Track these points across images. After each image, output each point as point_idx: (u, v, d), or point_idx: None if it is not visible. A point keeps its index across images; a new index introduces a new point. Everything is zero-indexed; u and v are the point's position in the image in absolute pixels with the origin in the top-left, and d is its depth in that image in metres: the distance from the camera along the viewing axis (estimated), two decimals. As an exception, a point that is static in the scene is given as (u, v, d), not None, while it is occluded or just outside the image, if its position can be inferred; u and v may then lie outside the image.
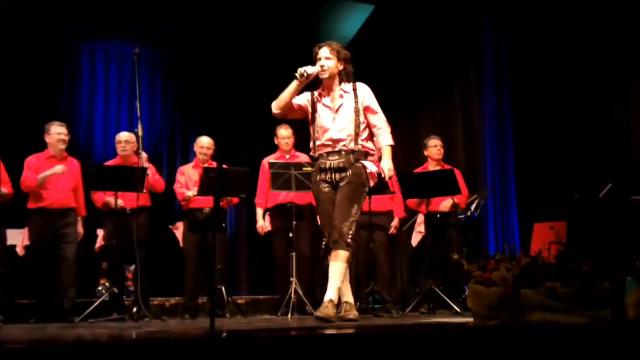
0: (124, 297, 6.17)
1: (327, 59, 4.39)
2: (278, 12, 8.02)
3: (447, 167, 6.39)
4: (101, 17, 7.71)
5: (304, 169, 5.85)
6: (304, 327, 3.96)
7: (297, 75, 4.33)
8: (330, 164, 4.36)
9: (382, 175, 4.45)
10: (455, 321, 4.12)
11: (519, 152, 7.48)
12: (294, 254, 6.00)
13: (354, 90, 4.45)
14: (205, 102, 8.56)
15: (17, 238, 6.31)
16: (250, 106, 8.05)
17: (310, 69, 4.35)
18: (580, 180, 6.43)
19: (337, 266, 4.20)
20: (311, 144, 4.51)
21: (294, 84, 4.37)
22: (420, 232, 6.57)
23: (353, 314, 4.38)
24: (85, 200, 5.96)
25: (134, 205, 5.60)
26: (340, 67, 4.44)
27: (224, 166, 5.70)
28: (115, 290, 5.77)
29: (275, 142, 6.39)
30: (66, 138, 5.76)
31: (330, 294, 4.16)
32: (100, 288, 7.03)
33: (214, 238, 5.39)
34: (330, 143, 4.38)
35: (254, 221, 6.52)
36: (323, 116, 4.43)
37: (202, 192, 5.84)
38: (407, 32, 8.24)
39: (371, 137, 4.50)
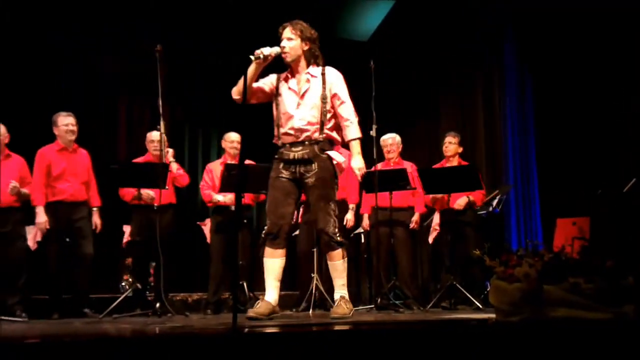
0: (147, 292, 6.22)
1: (288, 40, 4.14)
2: (298, 9, 8.01)
3: (464, 163, 6.34)
4: (125, 15, 7.77)
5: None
6: (325, 323, 3.96)
7: (253, 57, 4.05)
8: (294, 155, 4.13)
9: (330, 157, 4.16)
10: (477, 317, 4.10)
11: (541, 146, 7.42)
12: (315, 249, 6.01)
13: (323, 75, 4.19)
14: (228, 99, 8.58)
15: (29, 233, 6.38)
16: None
17: (267, 50, 4.06)
18: (604, 175, 6.37)
19: (335, 265, 4.20)
20: (275, 131, 4.24)
21: (251, 67, 4.09)
22: (436, 230, 6.55)
23: (261, 311, 4.08)
24: (99, 191, 5.97)
25: (163, 202, 5.64)
26: (305, 48, 4.18)
27: (246, 162, 5.72)
28: (139, 285, 5.82)
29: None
30: (74, 128, 5.75)
31: (339, 293, 4.22)
32: (123, 283, 7.10)
33: (237, 234, 5.42)
34: (293, 132, 4.15)
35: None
36: (287, 101, 4.17)
37: (223, 188, 5.87)
38: (428, 27, 8.20)
39: (338, 126, 4.25)
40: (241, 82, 4.11)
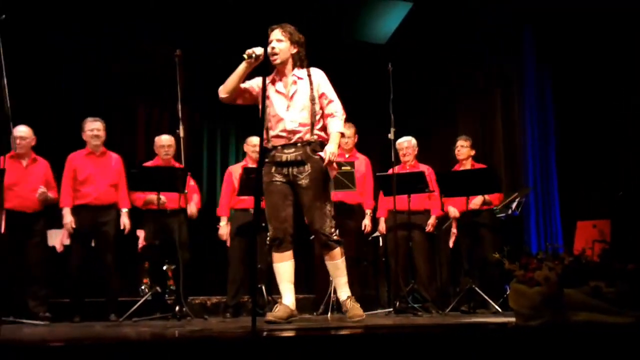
0: (166, 296, 6.27)
1: (278, 42, 4.15)
2: (316, 11, 8.03)
3: (478, 166, 6.32)
4: (144, 19, 7.84)
5: (343, 168, 5.85)
6: (343, 327, 3.96)
7: (245, 56, 4.08)
8: (287, 157, 4.12)
9: (322, 158, 4.14)
10: (497, 321, 4.08)
11: (561, 148, 7.37)
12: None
13: (309, 76, 4.22)
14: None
15: (57, 237, 6.45)
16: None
17: (259, 50, 4.09)
18: (624, 176, 6.31)
19: (336, 264, 4.19)
20: (264, 134, 4.19)
21: (241, 66, 4.13)
22: (454, 233, 6.52)
23: (279, 315, 4.08)
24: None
25: (175, 206, 5.67)
26: (293, 51, 4.20)
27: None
28: (158, 289, 5.86)
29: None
30: (99, 133, 5.80)
31: (345, 292, 4.21)
32: (143, 287, 7.15)
33: (255, 238, 5.42)
34: (284, 135, 4.14)
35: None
36: (276, 104, 4.18)
37: (241, 192, 5.90)
38: (446, 29, 8.18)
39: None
40: (229, 80, 4.19)
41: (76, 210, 5.72)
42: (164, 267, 6.28)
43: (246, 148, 6.41)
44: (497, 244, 5.98)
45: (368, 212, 6.37)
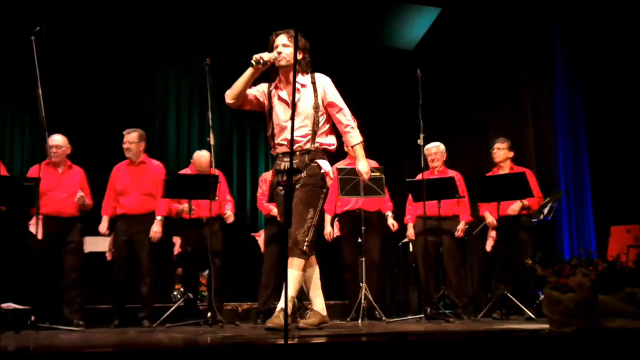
0: (199, 302, 6.33)
1: (284, 46, 4.07)
2: (344, 17, 8.06)
3: (517, 169, 6.23)
4: (174, 29, 7.94)
5: (373, 174, 5.85)
6: (374, 333, 3.95)
7: (253, 62, 4.01)
8: (285, 165, 4.10)
9: (362, 179, 4.23)
10: (530, 327, 4.04)
11: (594, 152, 7.26)
12: (363, 259, 6.01)
13: (313, 83, 4.13)
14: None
15: (97, 244, 6.55)
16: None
17: (266, 55, 4.04)
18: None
19: (292, 274, 3.95)
20: (270, 142, 4.22)
21: (248, 72, 4.05)
22: (493, 237, 6.45)
23: (310, 322, 4.09)
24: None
25: (208, 215, 5.72)
26: (299, 57, 4.10)
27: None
28: (190, 295, 5.92)
29: (345, 149, 6.42)
30: (130, 146, 5.87)
31: (282, 303, 3.98)
32: (175, 293, 7.23)
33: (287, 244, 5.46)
34: (285, 143, 4.10)
35: (323, 227, 6.57)
36: (279, 112, 4.14)
37: (271, 198, 5.94)
38: (475, 33, 8.14)
39: (331, 131, 4.20)
40: (236, 86, 4.12)
41: (116, 220, 5.90)
42: (204, 273, 6.34)
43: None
44: (532, 249, 5.92)
45: (388, 213, 6.38)
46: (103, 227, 5.92)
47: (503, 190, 5.80)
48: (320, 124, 4.12)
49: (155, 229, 5.85)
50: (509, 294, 5.68)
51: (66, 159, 5.84)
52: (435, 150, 6.37)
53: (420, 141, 5.86)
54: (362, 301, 5.78)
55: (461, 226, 6.21)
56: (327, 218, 6.45)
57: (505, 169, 6.22)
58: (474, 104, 8.58)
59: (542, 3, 7.49)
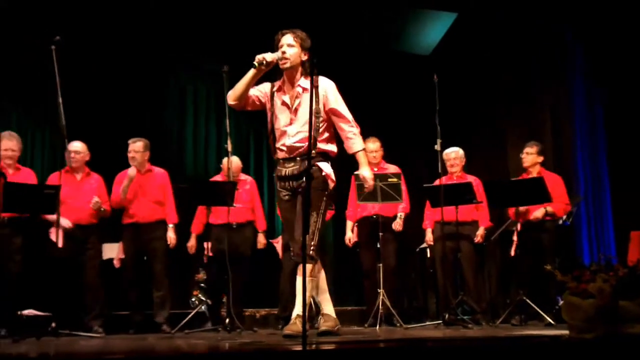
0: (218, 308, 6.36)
1: (289, 47, 3.99)
2: (362, 23, 8.07)
3: (547, 174, 6.14)
4: (193, 37, 8.00)
5: (390, 180, 5.85)
6: (393, 339, 3.95)
7: (255, 62, 3.92)
8: (286, 172, 4.07)
9: (365, 186, 4.19)
10: (550, 333, 4.01)
11: (613, 156, 7.19)
12: (380, 265, 6.00)
13: (316, 87, 3.99)
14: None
15: (114, 251, 6.61)
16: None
17: (269, 56, 3.95)
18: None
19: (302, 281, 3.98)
20: (272, 146, 4.19)
21: (250, 73, 3.98)
22: (516, 241, 6.39)
23: (328, 325, 4.13)
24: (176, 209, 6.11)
25: (242, 220, 5.75)
26: (304, 58, 4.03)
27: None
28: (209, 301, 5.94)
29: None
30: (135, 155, 5.90)
31: (297, 310, 4.02)
32: (193, 299, 7.26)
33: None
34: (285, 149, 4.08)
35: (341, 233, 6.57)
36: (280, 116, 4.09)
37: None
38: (491, 38, 8.11)
39: (332, 138, 4.15)
40: (238, 87, 4.05)
41: (125, 229, 5.93)
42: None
43: None
44: (552, 254, 5.88)
45: (400, 214, 6.30)
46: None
47: (522, 195, 5.75)
48: (320, 130, 4.06)
49: (172, 236, 5.92)
50: (528, 300, 5.64)
51: (85, 165, 5.90)
52: (454, 155, 6.35)
53: (437, 147, 5.84)
54: (380, 307, 5.77)
55: (480, 232, 6.19)
56: (349, 224, 6.45)
57: (534, 174, 6.11)
58: (491, 109, 8.54)
59: (557, 6, 7.44)
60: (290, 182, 4.09)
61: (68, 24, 7.13)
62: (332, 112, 4.08)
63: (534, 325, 5.55)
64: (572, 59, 7.59)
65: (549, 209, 5.96)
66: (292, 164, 4.06)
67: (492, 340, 3.60)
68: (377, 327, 5.66)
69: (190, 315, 5.66)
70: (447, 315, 5.73)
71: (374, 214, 6.19)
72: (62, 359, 2.77)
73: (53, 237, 5.47)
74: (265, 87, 4.15)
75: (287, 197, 4.14)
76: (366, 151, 4.22)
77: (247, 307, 6.69)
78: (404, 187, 6.11)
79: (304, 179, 3.89)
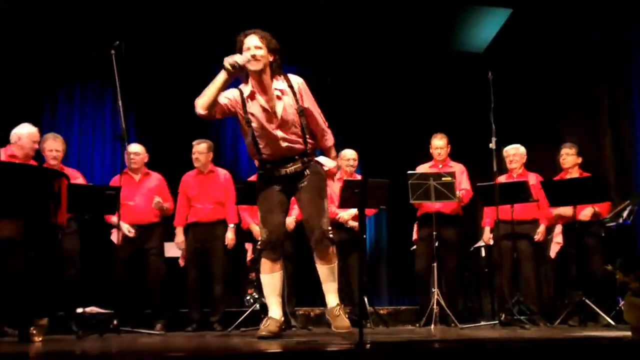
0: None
1: (257, 48, 3.81)
2: (413, 21, 8.02)
3: (585, 174, 6.08)
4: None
5: (443, 179, 5.81)
6: (447, 340, 3.92)
7: (227, 65, 3.74)
8: (285, 171, 3.96)
9: (330, 173, 4.11)
10: (611, 335, 3.92)
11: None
12: (435, 264, 5.96)
13: (290, 87, 3.92)
14: (346, 115, 8.71)
15: (176, 249, 6.75)
16: (392, 117, 8.16)
17: (240, 58, 3.77)
18: None
19: (332, 269, 3.99)
20: (252, 150, 4.01)
21: (221, 77, 3.78)
22: (559, 243, 6.30)
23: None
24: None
25: None
26: (271, 59, 3.87)
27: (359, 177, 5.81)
28: (263, 300, 6.00)
29: (430, 151, 6.41)
30: (198, 156, 6.04)
31: (335, 299, 4.03)
32: (248, 297, 7.36)
33: (358, 250, 5.48)
34: (277, 152, 3.95)
35: (394, 231, 6.56)
36: (264, 122, 3.90)
37: (342, 204, 5.96)
38: (547, 34, 7.96)
39: (311, 131, 4.06)
40: (207, 94, 3.80)
41: (188, 228, 6.08)
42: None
43: (340, 161, 6.48)
44: (606, 254, 5.79)
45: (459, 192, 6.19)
46: (179, 239, 6.09)
47: (580, 194, 5.66)
48: (305, 126, 3.98)
49: (230, 237, 6.03)
50: (587, 301, 5.53)
51: (144, 166, 6.05)
52: (514, 152, 6.28)
53: (492, 145, 5.77)
54: (435, 307, 5.73)
55: (541, 229, 6.09)
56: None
57: (574, 174, 6.10)
58: (547, 108, 8.38)
59: (618, 5, 7.25)
60: (290, 181, 4.00)
61: (127, 30, 7.31)
62: (306, 112, 3.99)
63: (593, 327, 5.44)
64: (632, 59, 7.39)
65: (597, 208, 5.93)
66: (291, 163, 3.97)
67: (552, 341, 3.53)
68: (432, 326, 5.63)
69: (246, 314, 5.74)
70: (503, 315, 5.66)
71: (433, 211, 6.11)
72: (124, 356, 2.85)
73: (114, 237, 5.64)
74: (233, 93, 3.95)
75: (277, 190, 4.01)
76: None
77: (301, 305, 6.74)
78: (467, 182, 6.23)
79: (308, 175, 3.95)
